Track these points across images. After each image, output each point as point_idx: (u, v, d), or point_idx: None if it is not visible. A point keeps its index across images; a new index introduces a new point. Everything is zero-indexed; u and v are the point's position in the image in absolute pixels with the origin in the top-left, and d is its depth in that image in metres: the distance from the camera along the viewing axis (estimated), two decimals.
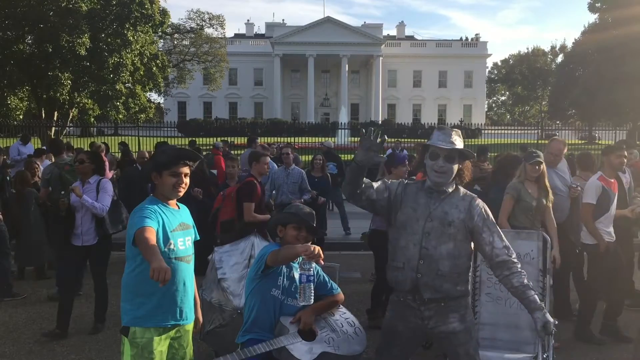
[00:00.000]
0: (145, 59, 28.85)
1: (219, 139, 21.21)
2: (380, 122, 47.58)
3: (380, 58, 62.78)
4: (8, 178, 8.52)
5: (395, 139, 20.78)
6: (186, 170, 3.15)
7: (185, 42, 45.21)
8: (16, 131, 21.10)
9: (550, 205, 5.39)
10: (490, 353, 4.11)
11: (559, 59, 64.52)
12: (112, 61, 25.24)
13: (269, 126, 38.80)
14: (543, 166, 5.28)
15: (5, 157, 11.70)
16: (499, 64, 77.30)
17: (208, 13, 46.13)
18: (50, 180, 7.10)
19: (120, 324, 3.07)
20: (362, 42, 61.55)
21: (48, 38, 23.74)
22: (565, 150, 6.29)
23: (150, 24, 28.90)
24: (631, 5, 32.54)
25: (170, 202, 3.19)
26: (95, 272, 5.84)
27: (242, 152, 12.69)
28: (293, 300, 3.37)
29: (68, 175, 6.97)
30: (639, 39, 29.99)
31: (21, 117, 29.03)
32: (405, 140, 23.84)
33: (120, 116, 28.45)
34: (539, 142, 24.57)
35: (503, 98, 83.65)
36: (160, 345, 3.06)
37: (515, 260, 3.07)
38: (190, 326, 3.27)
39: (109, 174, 10.99)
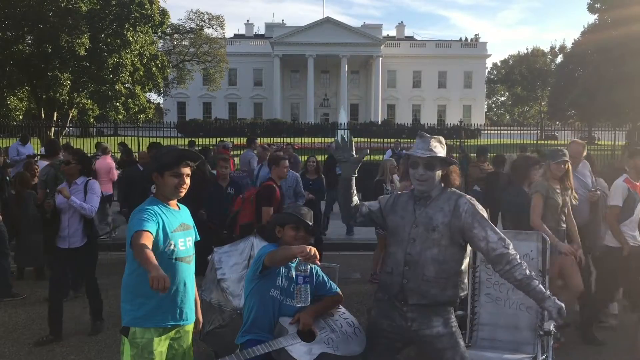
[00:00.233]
0: (145, 60, 28.82)
1: (218, 139, 21.19)
2: (379, 123, 47.54)
3: (380, 58, 62.79)
4: (8, 178, 8.51)
5: (395, 140, 20.76)
6: (187, 170, 3.16)
7: (185, 43, 45.14)
8: (16, 131, 21.07)
9: (575, 203, 5.38)
10: (490, 354, 4.11)
11: (559, 59, 64.57)
12: (112, 61, 25.21)
13: (268, 126, 38.76)
14: (568, 165, 5.26)
15: (5, 157, 11.70)
16: (499, 64, 77.40)
17: (208, 13, 46.10)
18: (47, 182, 7.09)
19: (120, 325, 3.08)
20: (361, 42, 61.56)
21: (48, 38, 23.70)
22: (585, 153, 6.26)
23: (149, 25, 28.85)
24: (630, 5, 32.55)
25: (171, 202, 3.19)
26: (83, 273, 5.74)
27: (242, 152, 12.69)
28: (292, 301, 3.37)
29: (63, 176, 6.95)
30: (639, 39, 30.00)
31: (21, 117, 29.00)
32: (405, 140, 23.82)
33: (120, 116, 28.42)
34: (539, 142, 24.59)
35: (502, 98, 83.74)
36: (160, 345, 3.06)
37: (513, 252, 3.04)
38: (190, 327, 3.27)
39: (115, 174, 11.00)
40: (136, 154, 14.75)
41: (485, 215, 3.16)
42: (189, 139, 19.09)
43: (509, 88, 77.00)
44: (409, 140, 24.94)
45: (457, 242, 3.12)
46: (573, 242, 5.30)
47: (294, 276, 3.41)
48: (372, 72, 63.93)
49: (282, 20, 70.99)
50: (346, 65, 61.90)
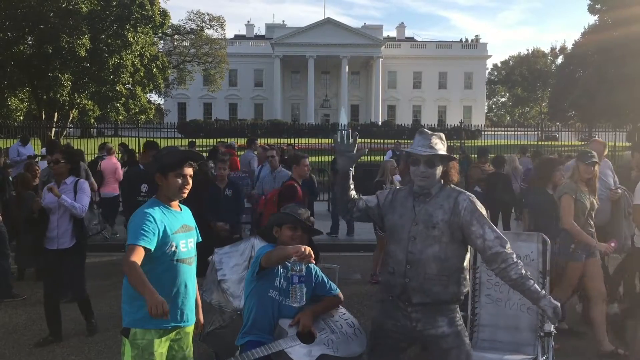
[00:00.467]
0: (146, 60, 28.85)
1: (217, 140, 21.18)
2: (380, 124, 47.56)
3: (380, 59, 62.83)
4: (10, 178, 8.51)
5: (396, 140, 20.77)
6: (191, 171, 3.16)
7: (186, 43, 45.21)
8: (16, 132, 21.08)
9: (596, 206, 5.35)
10: (490, 355, 4.11)
11: (559, 60, 64.56)
12: (112, 62, 25.24)
13: (269, 127, 38.81)
14: (597, 167, 5.21)
15: (5, 158, 11.70)
16: (499, 65, 77.40)
17: (208, 14, 46.14)
18: (47, 183, 7.09)
19: (121, 326, 3.08)
20: (362, 43, 61.59)
21: (48, 39, 23.72)
22: (606, 152, 6.22)
23: (150, 25, 28.89)
24: (631, 6, 32.54)
25: (173, 203, 3.19)
26: (71, 276, 5.52)
27: (242, 153, 12.69)
28: (289, 301, 3.37)
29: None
30: (639, 40, 29.99)
31: (21, 118, 29.02)
32: (406, 141, 23.83)
33: (121, 117, 28.45)
34: (539, 143, 24.58)
35: (503, 99, 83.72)
36: (161, 347, 3.06)
37: (510, 251, 3.03)
38: (190, 328, 3.27)
39: (120, 174, 10.99)
40: (138, 154, 14.73)
41: (485, 213, 3.15)
42: (190, 140, 19.08)
43: (510, 89, 77.00)
44: (409, 141, 24.94)
45: (457, 238, 3.10)
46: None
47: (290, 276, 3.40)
48: (373, 73, 63.96)
49: (283, 21, 71.06)
50: (347, 66, 61.92)
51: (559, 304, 2.92)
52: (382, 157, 17.41)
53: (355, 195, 3.31)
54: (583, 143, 33.37)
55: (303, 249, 3.13)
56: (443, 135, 3.25)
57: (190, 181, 3.17)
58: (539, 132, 29.30)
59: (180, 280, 3.12)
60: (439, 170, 3.14)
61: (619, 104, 33.09)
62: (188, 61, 44.81)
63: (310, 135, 26.98)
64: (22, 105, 28.81)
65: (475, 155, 12.43)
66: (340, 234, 11.03)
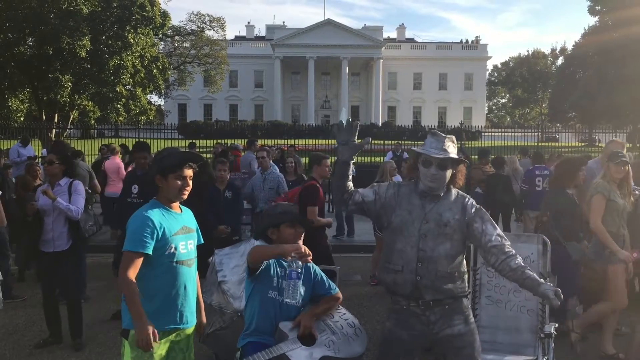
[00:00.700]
0: (146, 61, 28.87)
1: (216, 141, 21.19)
2: (380, 125, 47.58)
3: (381, 60, 62.84)
4: (14, 180, 8.50)
5: (396, 141, 20.76)
6: (191, 173, 3.16)
7: (186, 44, 45.22)
8: (17, 133, 21.10)
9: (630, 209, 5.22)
10: (490, 356, 4.10)
11: (559, 61, 64.56)
12: (113, 63, 25.24)
13: (269, 128, 38.83)
14: (629, 167, 5.12)
15: (5, 158, 11.70)
16: (499, 66, 77.39)
17: (209, 15, 46.17)
18: None
19: (121, 327, 3.08)
20: (362, 44, 61.62)
21: (49, 40, 23.74)
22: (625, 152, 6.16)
23: (150, 26, 28.90)
24: (631, 7, 32.56)
25: (173, 205, 3.19)
26: (67, 278, 5.41)
27: (242, 154, 12.68)
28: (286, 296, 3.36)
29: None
30: (639, 41, 30.02)
31: (22, 119, 29.03)
32: (406, 142, 23.83)
33: (121, 118, 28.49)
34: (539, 144, 24.58)
35: (503, 100, 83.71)
36: (160, 348, 3.06)
37: (510, 246, 3.08)
38: (191, 330, 3.27)
39: (124, 173, 10.99)
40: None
41: (487, 212, 3.20)
42: (190, 141, 19.09)
43: (510, 90, 76.99)
44: (409, 142, 24.95)
45: (465, 236, 3.15)
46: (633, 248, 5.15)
47: (287, 272, 3.39)
48: (373, 74, 63.98)
49: (283, 22, 71.10)
50: (347, 67, 61.94)
51: (558, 288, 2.93)
52: (382, 158, 17.40)
53: (352, 188, 3.26)
54: (584, 144, 33.41)
55: (303, 248, 3.13)
56: (454, 138, 3.25)
57: (191, 183, 3.17)
58: (539, 133, 29.32)
59: (180, 282, 3.11)
60: (449, 173, 3.15)
61: (619, 105, 33.11)
62: (188, 62, 44.83)
63: (311, 137, 26.99)
64: (22, 106, 28.82)
65: (476, 157, 12.43)
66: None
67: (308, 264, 3.54)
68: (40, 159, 13.28)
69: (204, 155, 14.15)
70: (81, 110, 28.83)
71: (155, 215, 3.04)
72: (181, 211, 3.25)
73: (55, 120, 27.31)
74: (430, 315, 3.12)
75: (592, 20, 41.78)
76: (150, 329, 2.84)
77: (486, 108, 74.56)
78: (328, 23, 62.06)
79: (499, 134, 28.81)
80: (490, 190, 9.35)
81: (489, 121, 75.45)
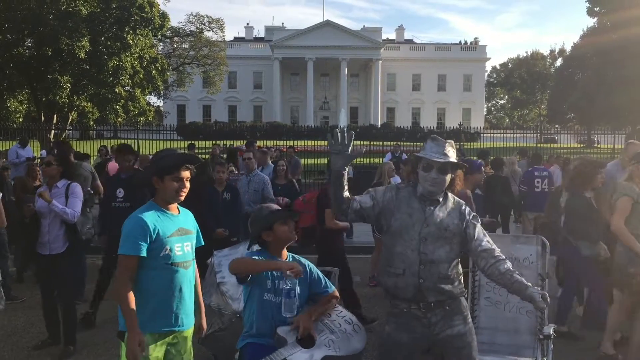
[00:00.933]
0: (145, 62, 28.89)
1: (213, 142, 21.20)
2: (379, 126, 47.59)
3: (380, 61, 62.85)
4: (12, 182, 8.50)
5: (395, 143, 20.78)
6: (188, 174, 3.14)
7: (185, 46, 45.25)
8: (15, 134, 21.08)
9: None
10: (489, 357, 4.10)
11: (558, 62, 64.69)
12: (112, 64, 25.27)
13: (268, 129, 38.82)
14: None
15: (4, 160, 11.70)
16: (498, 67, 77.54)
17: (208, 16, 46.28)
18: None
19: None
20: (361, 45, 61.60)
21: (48, 41, 23.75)
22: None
23: (149, 28, 28.95)
24: (629, 8, 32.61)
25: (171, 206, 3.17)
26: (59, 284, 5.35)
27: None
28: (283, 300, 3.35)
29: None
30: (638, 42, 30.06)
31: (21, 120, 29.03)
32: (405, 143, 23.85)
33: (120, 119, 28.51)
34: (538, 145, 24.59)
35: (502, 102, 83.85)
36: (157, 351, 3.05)
37: (499, 251, 3.15)
38: (189, 332, 3.26)
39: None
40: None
41: (480, 221, 3.26)
42: (189, 142, 19.09)
43: (509, 91, 77.12)
44: (408, 143, 24.98)
45: (462, 240, 3.19)
46: None
47: (282, 286, 3.35)
48: (372, 75, 63.99)
49: (282, 24, 71.11)
50: (346, 69, 61.93)
51: (545, 292, 2.99)
52: (381, 159, 17.41)
53: (349, 196, 3.26)
54: (582, 146, 33.44)
55: (298, 267, 3.17)
56: (454, 143, 3.29)
57: (188, 184, 3.15)
58: (538, 135, 29.29)
59: (175, 284, 3.10)
60: (449, 177, 3.19)
61: (618, 106, 33.16)
62: (187, 63, 44.84)
63: (310, 138, 26.98)
64: (21, 107, 28.83)
65: (474, 158, 12.42)
66: None
67: (303, 262, 3.56)
68: (39, 160, 13.26)
69: (203, 156, 14.17)
70: (80, 111, 28.85)
71: (149, 217, 3.03)
72: (179, 212, 3.23)
73: (54, 121, 27.31)
74: (432, 317, 3.14)
75: (591, 22, 41.96)
76: (138, 340, 2.86)
77: (485, 109, 74.61)
78: (327, 24, 62.07)
79: (498, 135, 28.76)
80: (489, 191, 9.34)
81: (487, 122, 75.51)
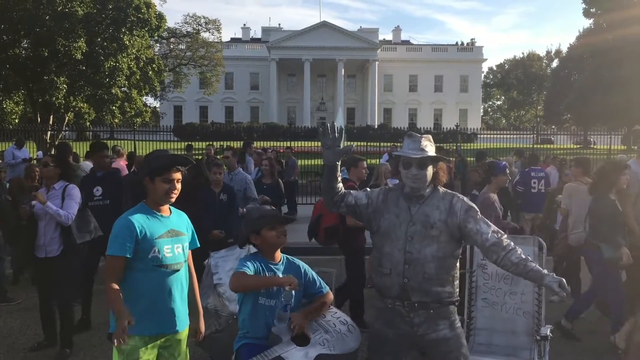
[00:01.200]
0: (142, 63, 28.83)
1: (209, 143, 21.16)
2: (376, 126, 47.60)
3: (376, 62, 62.86)
4: (7, 183, 8.47)
5: (392, 143, 20.76)
6: (178, 176, 3.12)
7: (182, 46, 45.17)
8: (12, 135, 21.04)
9: None
10: (486, 358, 4.11)
11: (554, 63, 64.82)
12: (108, 65, 25.20)
13: (265, 130, 38.80)
14: None
15: (0, 161, 11.67)
16: (495, 68, 77.61)
17: (204, 17, 46.11)
18: None
19: None
20: (358, 46, 61.62)
21: (44, 42, 23.69)
22: None
23: (146, 28, 28.87)
24: (625, 9, 32.70)
25: (162, 207, 3.15)
26: (56, 290, 5.29)
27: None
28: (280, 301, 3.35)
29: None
30: (634, 43, 30.15)
31: (17, 121, 28.94)
32: (401, 145, 23.82)
33: (116, 120, 28.43)
34: (535, 146, 24.62)
35: (499, 102, 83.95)
36: (147, 354, 3.04)
37: (507, 240, 3.09)
38: (182, 335, 3.23)
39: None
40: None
41: (478, 210, 3.19)
42: (187, 143, 19.06)
43: (505, 92, 77.21)
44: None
45: (455, 238, 3.14)
46: None
47: (279, 275, 3.38)
48: (369, 76, 64.00)
49: (279, 25, 71.01)
50: (343, 69, 61.93)
51: (563, 279, 2.94)
52: (378, 160, 17.40)
53: (343, 189, 3.29)
54: (579, 146, 33.50)
55: (295, 281, 3.18)
56: (431, 137, 3.29)
57: (179, 186, 3.13)
58: (535, 136, 29.33)
59: (164, 286, 3.08)
60: (430, 171, 3.17)
61: (614, 107, 33.24)
62: (184, 64, 44.76)
63: (306, 139, 26.97)
64: (17, 109, 28.74)
65: (472, 158, 12.45)
66: None
67: (297, 263, 3.57)
68: (35, 161, 13.24)
69: (198, 157, 14.14)
70: (76, 112, 28.76)
71: (137, 218, 3.02)
72: (170, 214, 3.21)
73: (50, 122, 27.23)
74: (414, 317, 3.13)
75: (587, 23, 41.99)
76: (126, 317, 2.76)
77: (481, 110, 74.72)
78: (324, 25, 62.07)
79: (495, 136, 28.80)
80: None
81: (484, 123, 75.59)
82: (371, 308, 6.68)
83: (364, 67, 65.10)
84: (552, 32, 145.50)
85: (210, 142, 19.21)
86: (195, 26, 45.43)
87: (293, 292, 3.22)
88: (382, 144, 23.13)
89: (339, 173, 3.26)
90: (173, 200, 3.13)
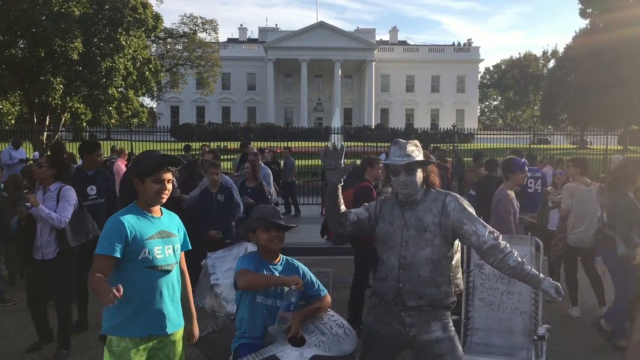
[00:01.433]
0: (138, 64, 28.78)
1: (204, 143, 21.13)
2: (373, 127, 47.61)
3: (373, 63, 62.91)
4: (2, 185, 8.43)
5: (389, 144, 20.76)
6: (169, 176, 3.11)
7: (178, 47, 45.11)
8: (8, 136, 20.98)
9: None
10: (483, 358, 4.11)
11: (551, 64, 64.95)
12: (105, 66, 25.15)
13: (262, 131, 38.74)
14: None
15: None
16: (491, 69, 77.81)
17: (201, 18, 46.09)
18: None
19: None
20: (355, 47, 61.66)
21: (40, 42, 23.62)
22: None
23: (143, 29, 28.84)
24: (622, 9, 32.76)
25: (153, 208, 3.14)
26: (54, 292, 5.27)
27: (235, 157, 12.67)
28: (281, 302, 3.35)
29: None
30: (630, 44, 30.22)
31: (13, 121, 28.87)
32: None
33: (113, 121, 28.37)
34: (531, 146, 24.66)
35: (495, 103, 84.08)
36: (138, 355, 3.02)
37: (504, 242, 3.10)
38: (176, 336, 3.22)
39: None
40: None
41: (473, 211, 3.20)
42: (185, 144, 19.04)
43: (502, 92, 77.36)
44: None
45: (448, 240, 3.16)
46: None
47: (276, 274, 3.40)
48: (366, 76, 64.04)
49: (276, 25, 71.14)
50: (340, 70, 61.96)
51: (558, 284, 2.96)
52: None
53: (344, 209, 3.37)
54: (575, 146, 33.57)
55: (301, 281, 3.21)
56: (418, 142, 3.34)
57: (169, 186, 3.12)
58: (531, 136, 29.38)
59: (155, 287, 3.05)
60: (419, 176, 3.21)
61: (610, 107, 33.28)
62: (181, 64, 44.71)
63: (303, 139, 26.97)
64: (13, 109, 28.68)
65: (469, 159, 12.47)
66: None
67: (296, 265, 3.58)
68: (32, 162, 13.22)
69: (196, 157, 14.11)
70: (73, 113, 28.71)
71: (128, 218, 3.00)
72: (161, 215, 3.19)
73: (47, 123, 27.17)
74: (406, 317, 3.16)
75: (583, 23, 42.05)
76: (109, 290, 2.62)
77: (478, 110, 74.80)
78: (321, 25, 62.08)
79: (492, 136, 28.84)
80: (483, 192, 9.36)
81: (481, 123, 75.73)
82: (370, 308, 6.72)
83: (361, 68, 65.14)
84: (549, 33, 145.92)
85: (205, 143, 19.20)
86: (192, 26, 45.43)
87: (296, 292, 3.21)
88: (379, 144, 23.14)
89: (340, 194, 3.35)
90: (164, 200, 3.12)
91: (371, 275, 6.66)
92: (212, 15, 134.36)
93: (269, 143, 21.61)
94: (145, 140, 23.32)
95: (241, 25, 78.70)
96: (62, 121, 29.00)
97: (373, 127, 48.50)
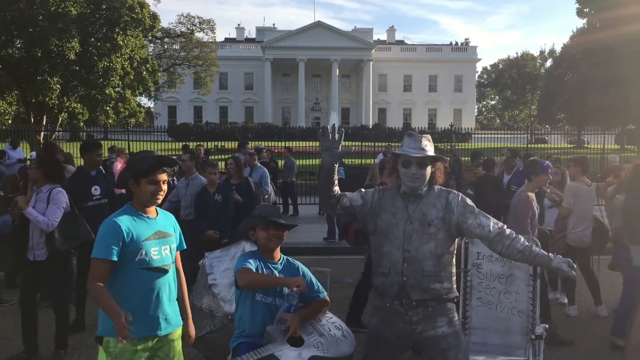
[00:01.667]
0: (135, 63, 28.76)
1: (199, 143, 21.12)
2: (370, 126, 47.65)
3: (371, 62, 62.94)
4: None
5: (387, 143, 20.80)
6: (164, 177, 3.10)
7: (176, 47, 45.06)
8: (5, 136, 20.94)
9: None
10: (482, 357, 4.11)
11: (548, 63, 65.07)
12: (102, 65, 25.15)
13: (259, 130, 38.75)
14: None
15: None
16: (489, 68, 77.86)
17: (198, 17, 46.04)
18: None
19: None
20: (352, 46, 61.67)
21: (37, 42, 23.61)
22: None
23: (140, 28, 28.82)
24: (619, 8, 32.79)
25: (148, 209, 3.13)
26: (47, 293, 5.19)
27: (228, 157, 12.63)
28: (280, 300, 3.35)
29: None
30: (627, 43, 30.23)
31: (10, 121, 28.84)
32: (396, 144, 23.86)
33: (110, 120, 28.37)
34: (529, 146, 24.70)
35: (493, 102, 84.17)
36: (136, 356, 3.02)
37: (509, 229, 3.13)
38: (175, 335, 3.22)
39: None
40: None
41: (475, 206, 3.21)
42: (183, 144, 19.03)
43: (499, 92, 77.46)
44: (400, 144, 25.00)
45: (452, 235, 3.17)
46: None
47: (275, 274, 3.39)
48: (363, 76, 64.05)
49: (273, 25, 71.02)
50: (337, 69, 61.96)
51: (569, 259, 2.98)
52: (372, 160, 17.42)
53: (339, 192, 3.30)
54: (573, 146, 33.63)
55: (304, 282, 3.19)
56: (430, 137, 3.32)
57: (164, 187, 3.11)
58: (529, 135, 29.42)
59: (151, 288, 3.05)
60: (429, 171, 3.19)
61: (607, 107, 33.31)
62: (178, 64, 44.67)
63: (301, 139, 27.01)
64: (10, 109, 28.63)
65: (466, 158, 12.47)
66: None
67: (297, 265, 3.57)
68: (29, 162, 13.19)
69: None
70: (70, 113, 28.68)
71: (124, 220, 2.99)
72: (157, 215, 3.19)
73: (44, 123, 27.13)
74: (413, 316, 3.15)
75: (581, 23, 42.09)
76: (122, 317, 2.73)
77: (476, 110, 74.87)
78: (318, 25, 62.08)
79: (489, 135, 28.90)
80: (480, 191, 9.38)
81: (478, 123, 75.79)
82: (367, 308, 6.71)
83: (359, 67, 65.16)
84: (546, 32, 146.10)
85: (200, 143, 19.18)
86: (189, 26, 45.37)
87: (297, 295, 3.21)
88: (376, 143, 23.15)
89: (335, 176, 3.29)
90: (159, 201, 3.12)
91: None
92: (210, 15, 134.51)
93: (266, 143, 21.60)
94: (143, 140, 23.31)
95: (239, 24, 78.63)
96: (59, 121, 28.98)
97: (370, 126, 48.53)
